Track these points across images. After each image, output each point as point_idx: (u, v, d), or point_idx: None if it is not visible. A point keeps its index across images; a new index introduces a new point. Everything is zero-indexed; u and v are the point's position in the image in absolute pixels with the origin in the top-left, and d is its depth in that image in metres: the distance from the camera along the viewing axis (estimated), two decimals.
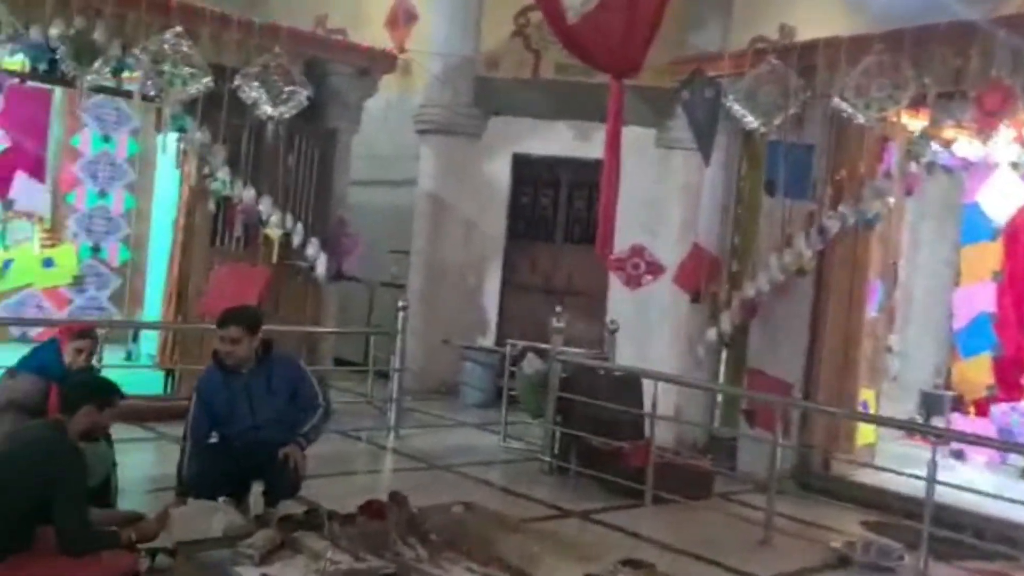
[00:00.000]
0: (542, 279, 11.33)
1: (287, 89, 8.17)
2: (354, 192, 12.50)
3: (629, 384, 7.71)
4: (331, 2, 12.83)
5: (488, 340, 11.12)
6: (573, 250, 11.12)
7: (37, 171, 11.67)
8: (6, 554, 4.04)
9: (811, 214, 7.70)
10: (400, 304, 8.54)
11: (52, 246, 11.11)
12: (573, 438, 7.47)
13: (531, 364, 7.63)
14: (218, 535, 4.49)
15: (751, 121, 7.93)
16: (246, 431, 5.48)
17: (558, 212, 11.30)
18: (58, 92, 10.79)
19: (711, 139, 8.34)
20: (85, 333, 5.23)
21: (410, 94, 11.74)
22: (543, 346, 7.87)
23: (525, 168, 11.28)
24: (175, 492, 5.34)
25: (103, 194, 11.35)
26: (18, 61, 7.08)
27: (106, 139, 11.33)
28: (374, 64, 9.07)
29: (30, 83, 8.38)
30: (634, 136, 10.33)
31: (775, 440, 6.42)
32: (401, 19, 9.19)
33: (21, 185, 11.57)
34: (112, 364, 7.14)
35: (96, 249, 11.29)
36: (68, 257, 11.00)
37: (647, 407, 7.30)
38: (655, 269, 10.74)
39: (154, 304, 9.79)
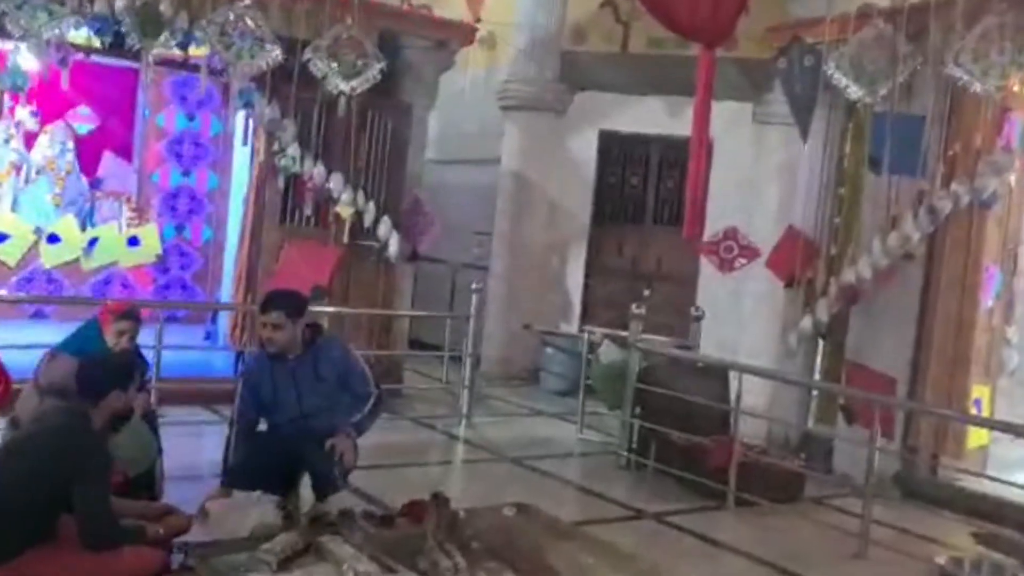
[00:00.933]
0: (629, 262, 10.81)
1: (359, 62, 7.84)
2: (439, 171, 12.27)
3: (714, 375, 7.16)
4: None
5: (572, 326, 10.68)
6: (662, 232, 10.56)
7: (124, 151, 11.72)
8: (28, 546, 3.81)
9: (920, 193, 7.00)
10: (474, 286, 8.16)
11: (137, 225, 11.12)
12: (652, 432, 6.98)
13: (608, 352, 7.17)
14: (245, 535, 4.18)
15: (855, 91, 7.25)
16: (292, 419, 5.17)
17: (647, 192, 10.76)
18: (142, 71, 10.74)
19: (810, 112, 7.71)
20: (127, 314, 4.98)
21: (495, 70, 11.35)
22: (621, 333, 7.38)
23: (612, 146, 10.77)
24: (220, 482, 5.07)
25: (187, 173, 11.29)
26: (82, 35, 6.91)
27: (190, 118, 11.27)
28: (451, 36, 8.68)
29: (102, 59, 8.25)
30: (729, 111, 9.80)
31: (874, 440, 5.81)
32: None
33: (109, 165, 11.64)
34: (178, 345, 6.94)
35: (180, 228, 11.25)
36: (152, 236, 11.00)
37: (733, 400, 6.74)
38: (749, 253, 10.12)
39: (229, 283, 9.66)
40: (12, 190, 10.70)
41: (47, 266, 10.44)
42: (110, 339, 4.91)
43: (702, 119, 7.91)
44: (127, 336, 4.94)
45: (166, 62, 7.58)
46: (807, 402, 7.90)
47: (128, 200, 11.40)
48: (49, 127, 11.03)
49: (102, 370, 4.11)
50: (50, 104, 11.13)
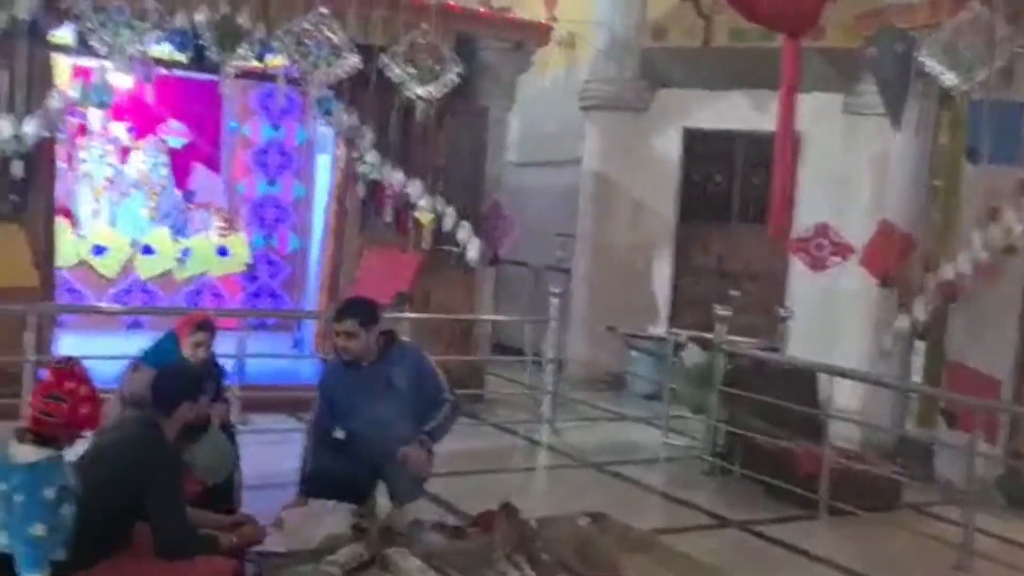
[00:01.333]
0: (716, 262, 10.54)
1: (436, 67, 7.83)
2: (521, 173, 12.22)
3: (804, 378, 6.89)
4: None
5: (658, 327, 10.46)
6: (750, 230, 10.26)
7: (213, 162, 11.98)
8: (105, 555, 3.85)
9: (1021, 182, 6.61)
10: (554, 290, 8.04)
11: (227, 235, 11.34)
12: (738, 437, 6.76)
13: (691, 355, 6.97)
14: (313, 546, 4.15)
15: (950, 78, 6.89)
16: (367, 427, 5.13)
17: (733, 189, 10.47)
18: (229, 83, 10.95)
19: (902, 101, 7.40)
20: (202, 325, 5.01)
21: (575, 70, 11.24)
22: (706, 335, 7.17)
23: (696, 143, 10.52)
24: (297, 491, 5.07)
25: (273, 183, 11.44)
26: (164, 50, 7.06)
27: (275, 127, 11.42)
28: (527, 37, 8.60)
29: (190, 73, 8.41)
30: (818, 103, 9.49)
31: (976, 445, 5.50)
32: None
33: (199, 177, 11.91)
34: (259, 354, 7.01)
35: (267, 237, 11.41)
36: (241, 246, 11.18)
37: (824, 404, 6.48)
38: (842, 250, 9.71)
39: (315, 291, 9.76)
40: (109, 204, 11.03)
41: (143, 277, 10.71)
42: (187, 351, 4.95)
43: (787, 112, 7.65)
44: (203, 347, 4.98)
45: (245, 74, 7.64)
46: (904, 405, 7.56)
47: (218, 211, 11.65)
48: (142, 142, 11.34)
49: (173, 382, 4.14)
50: (143, 119, 11.45)
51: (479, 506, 5.65)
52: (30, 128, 6.62)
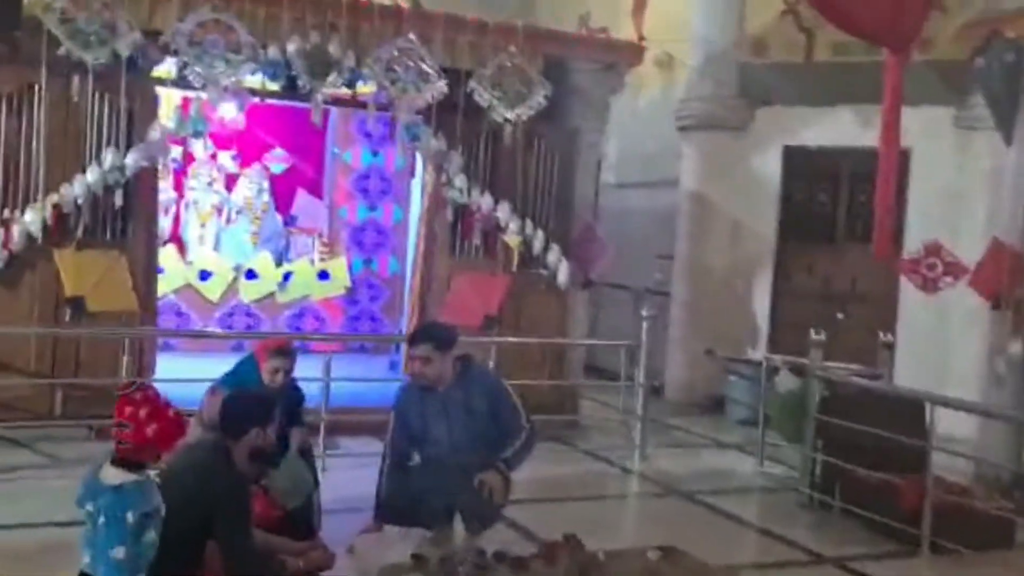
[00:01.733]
0: (820, 283, 10.16)
1: (523, 90, 7.81)
2: (620, 194, 12.10)
3: (908, 407, 6.52)
4: (596, 1, 12.43)
5: (759, 351, 10.14)
6: (856, 250, 9.85)
7: (316, 188, 12.25)
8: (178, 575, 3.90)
9: None
10: (645, 313, 7.86)
11: (328, 259, 11.55)
12: (837, 468, 6.44)
13: (784, 382, 6.70)
14: (374, 575, 4.11)
15: None
16: (443, 453, 5.09)
17: (838, 208, 10.10)
18: (333, 110, 11.18)
19: (1013, 114, 6.99)
20: (281, 351, 5.05)
21: (672, 89, 11.07)
22: (800, 360, 6.89)
23: (798, 161, 10.19)
24: (373, 517, 5.06)
25: (373, 208, 11.60)
26: (256, 80, 7.24)
27: (375, 153, 11.59)
28: (618, 58, 8.47)
29: (293, 102, 8.59)
30: (927, 118, 9.09)
31: None
32: (639, 4, 8.54)
33: (302, 202, 12.20)
34: (344, 377, 7.05)
35: (367, 261, 11.57)
36: (341, 270, 11.36)
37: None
38: (955, 270, 9.23)
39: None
40: (215, 230, 11.39)
41: (246, 301, 10.98)
42: (266, 376, 5.00)
43: (891, 128, 7.34)
44: (281, 373, 5.02)
45: (336, 101, 7.77)
46: (1021, 436, 7.08)
47: (320, 236, 11.89)
48: (247, 169, 11.70)
49: (243, 407, 4.17)
50: (249, 148, 11.81)
51: (557, 535, 5.55)
52: (131, 159, 6.86)
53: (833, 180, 10.12)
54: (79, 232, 6.86)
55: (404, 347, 8.66)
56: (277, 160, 11.95)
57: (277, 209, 11.87)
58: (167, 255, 10.79)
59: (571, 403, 8.67)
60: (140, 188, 7.08)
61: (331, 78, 7.28)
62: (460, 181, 7.89)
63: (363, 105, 7.91)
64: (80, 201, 6.80)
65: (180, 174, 11.37)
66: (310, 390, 6.68)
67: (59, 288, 6.89)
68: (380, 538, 4.75)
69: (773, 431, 7.34)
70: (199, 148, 11.42)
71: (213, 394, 5.07)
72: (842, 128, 9.75)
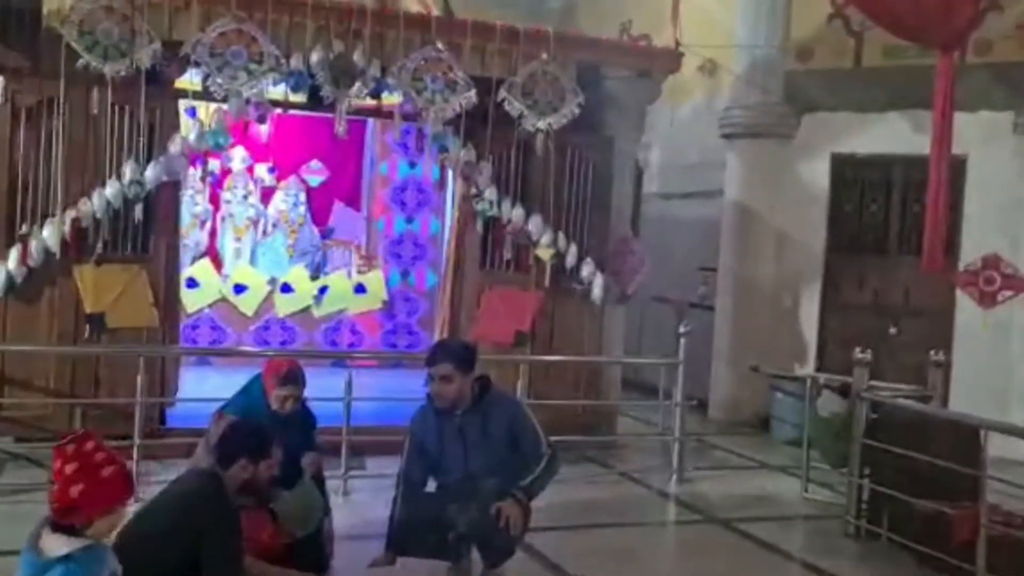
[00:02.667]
0: (871, 297, 9.71)
1: (555, 98, 7.54)
2: (664, 205, 11.77)
3: (962, 431, 6.09)
4: (637, 8, 12.15)
5: (807, 367, 9.73)
6: (909, 262, 9.37)
7: (353, 200, 12.11)
8: None
9: None
10: (682, 329, 7.53)
11: (365, 272, 11.39)
12: (885, 497, 6.04)
13: (827, 403, 6.34)
14: None
15: None
16: (459, 479, 4.83)
17: (890, 218, 9.64)
18: (370, 122, 11.03)
19: None
20: (288, 378, 4.82)
21: (717, 97, 10.71)
22: (846, 379, 6.50)
23: (847, 170, 9.77)
24: (384, 547, 4.81)
25: (410, 220, 11.43)
26: (280, 91, 7.07)
27: (412, 165, 11.42)
28: (654, 64, 8.15)
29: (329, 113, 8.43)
30: (985, 123, 8.70)
31: None
32: (675, 10, 8.21)
33: (339, 214, 12.06)
34: (367, 397, 6.81)
35: (405, 274, 11.38)
36: (378, 283, 11.18)
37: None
38: (1015, 283, 8.84)
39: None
40: (251, 243, 11.30)
41: (281, 315, 10.85)
42: (274, 403, 4.78)
43: (942, 133, 6.98)
44: (291, 400, 4.80)
45: (361, 111, 7.57)
46: None
47: (358, 248, 11.74)
48: (284, 182, 11.59)
49: (237, 438, 3.98)
50: (286, 160, 11.72)
51: (584, 566, 5.27)
52: (151, 173, 6.73)
53: (885, 189, 9.67)
54: (99, 247, 6.74)
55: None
56: (314, 172, 11.84)
57: (314, 222, 11.75)
58: (202, 269, 10.73)
59: (608, 423, 8.36)
60: (161, 202, 6.94)
61: (355, 88, 7.07)
62: (490, 193, 7.64)
63: (389, 115, 7.70)
64: (99, 215, 6.68)
65: (216, 187, 11.31)
66: (331, 408, 6.52)
67: (78, 304, 6.77)
68: (393, 570, 4.48)
69: (817, 454, 6.95)
70: (236, 161, 11.38)
71: (219, 418, 4.87)
72: (894, 134, 9.31)
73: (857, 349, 6.34)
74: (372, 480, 6.57)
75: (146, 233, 6.94)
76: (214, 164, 11.20)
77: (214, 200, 11.24)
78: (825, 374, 8.26)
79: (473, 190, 7.68)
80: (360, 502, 6.31)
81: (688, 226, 11.29)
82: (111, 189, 6.66)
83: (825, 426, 6.44)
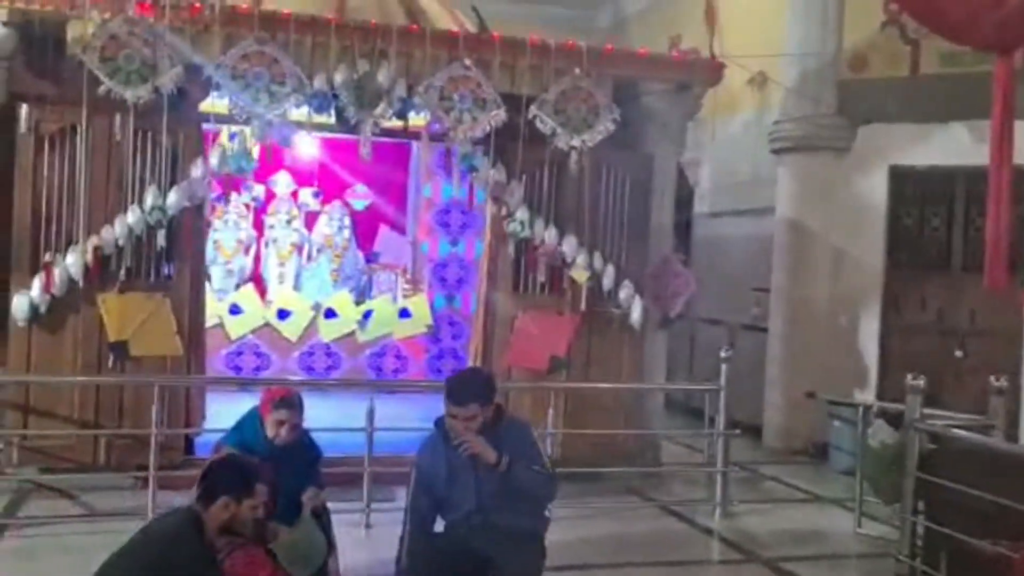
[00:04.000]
0: (935, 317, 9.17)
1: (589, 115, 7.26)
2: (715, 224, 11.39)
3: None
4: (688, 23, 11.81)
5: (868, 393, 9.22)
6: (975, 280, 8.74)
7: (399, 223, 11.99)
8: None
9: None
10: (723, 353, 7.15)
11: (409, 297, 11.22)
12: (943, 535, 5.57)
13: (877, 433, 5.89)
14: None
15: None
16: (470, 514, 4.55)
17: (953, 233, 9.11)
18: (414, 145, 10.88)
19: None
20: (282, 403, 4.62)
21: (768, 111, 10.30)
22: (898, 406, 6.05)
23: (906, 183, 9.28)
24: None
25: (455, 242, 11.22)
26: (302, 112, 6.92)
27: (470, 187, 11.22)
28: (694, 77, 7.81)
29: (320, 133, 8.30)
30: None
31: None
32: (712, 19, 7.88)
33: (384, 238, 11.96)
34: (388, 427, 6.57)
35: (450, 298, 11.17)
36: (422, 307, 10.99)
37: None
38: None
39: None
40: (295, 269, 11.23)
41: (325, 340, 10.72)
42: (269, 430, 4.58)
43: (1002, 142, 6.47)
44: (287, 426, 4.59)
45: (387, 132, 7.39)
46: None
47: (403, 272, 11.60)
48: (328, 206, 11.52)
49: (219, 475, 3.77)
50: (330, 185, 11.67)
51: None
52: (172, 198, 6.64)
53: (947, 202, 9.15)
54: (121, 275, 6.65)
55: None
56: (359, 196, 11.78)
57: (359, 246, 11.67)
58: (246, 295, 10.68)
59: (652, 451, 8.01)
60: (184, 228, 6.83)
61: (380, 109, 6.89)
62: (522, 213, 7.37)
63: (415, 136, 7.51)
64: (121, 243, 6.60)
65: (260, 212, 11.29)
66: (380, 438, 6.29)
67: (102, 333, 6.69)
68: None
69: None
70: (280, 186, 11.35)
71: (217, 451, 4.68)
72: (955, 145, 8.81)
73: (910, 375, 5.89)
74: (395, 513, 6.32)
75: (169, 260, 6.85)
76: (258, 189, 11.22)
77: (258, 226, 11.22)
78: (884, 402, 7.78)
79: (504, 211, 7.42)
80: (382, 536, 6.05)
81: (740, 245, 10.89)
82: (132, 216, 6.58)
83: (875, 458, 5.98)
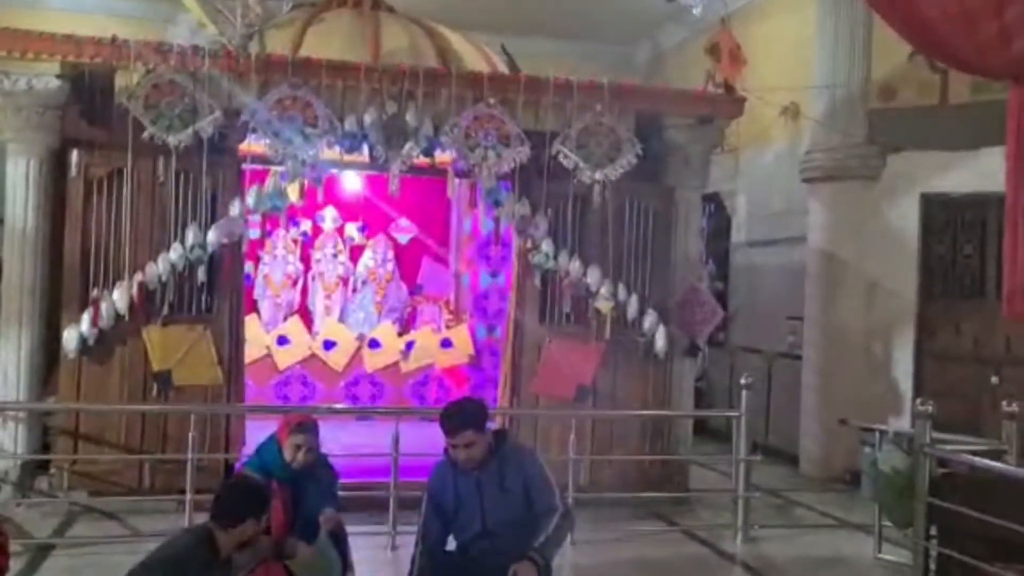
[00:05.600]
0: (970, 345, 9.14)
1: (611, 150, 7.50)
2: (751, 253, 11.49)
3: None
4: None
5: (903, 420, 9.20)
6: None
7: (442, 256, 12.29)
8: None
9: None
10: (743, 382, 7.26)
11: (452, 326, 11.49)
12: (956, 562, 5.62)
13: (888, 458, 5.95)
14: None
15: None
16: (476, 536, 4.77)
17: (986, 260, 9.08)
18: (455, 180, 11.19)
19: None
20: (299, 427, 4.89)
21: (801, 140, 10.40)
22: (908, 431, 6.11)
23: (938, 210, 9.29)
24: None
25: (495, 274, 11.45)
26: (335, 152, 7.28)
27: (496, 220, 11.49)
28: (716, 110, 8.00)
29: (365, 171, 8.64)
30: None
31: None
32: (725, 53, 8.03)
33: (428, 270, 12.26)
34: (412, 453, 6.79)
35: (491, 328, 11.39)
36: (464, 337, 11.24)
37: None
38: None
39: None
40: (340, 301, 11.59)
41: (369, 370, 11.03)
42: (288, 454, 4.85)
43: (1017, 171, 6.54)
44: (304, 450, 4.86)
45: (414, 169, 7.71)
46: None
47: (446, 303, 11.88)
48: (372, 240, 11.88)
49: (238, 497, 4.03)
50: (375, 219, 12.02)
51: None
52: (212, 236, 7.02)
53: (980, 230, 9.14)
54: (164, 309, 7.04)
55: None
56: (403, 230, 12.10)
57: (403, 278, 11.98)
58: (293, 327, 11.06)
59: (680, 477, 8.11)
60: (223, 264, 7.21)
61: (408, 148, 7.22)
62: (547, 246, 7.61)
63: (443, 173, 7.81)
64: (164, 278, 6.99)
65: (307, 247, 11.69)
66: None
67: (147, 363, 7.08)
68: None
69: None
70: (327, 221, 11.76)
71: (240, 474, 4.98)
72: (987, 172, 8.78)
73: (918, 401, 5.96)
74: None
75: (210, 294, 7.22)
76: (306, 225, 11.64)
77: (305, 260, 11.62)
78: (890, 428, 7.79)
79: (529, 243, 7.67)
80: (405, 557, 6.23)
81: (776, 274, 10.96)
82: (175, 253, 6.97)
83: (887, 483, 6.04)
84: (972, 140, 8.91)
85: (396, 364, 11.11)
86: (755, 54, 10.35)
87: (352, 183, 11.04)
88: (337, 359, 10.98)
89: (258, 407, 9.48)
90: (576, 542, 6.68)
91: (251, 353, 10.10)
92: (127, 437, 7.09)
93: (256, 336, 10.43)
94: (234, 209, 7.10)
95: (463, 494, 4.79)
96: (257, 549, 4.16)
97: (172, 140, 6.83)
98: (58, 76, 6.96)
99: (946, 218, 9.30)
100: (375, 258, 11.75)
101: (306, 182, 7.28)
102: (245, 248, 7.38)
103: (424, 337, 11.29)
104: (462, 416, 4.78)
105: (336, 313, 11.51)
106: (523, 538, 4.64)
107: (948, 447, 5.91)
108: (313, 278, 11.57)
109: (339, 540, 5.01)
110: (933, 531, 5.81)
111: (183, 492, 6.71)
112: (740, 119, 8.75)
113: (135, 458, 7.03)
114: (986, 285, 9.09)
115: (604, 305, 7.68)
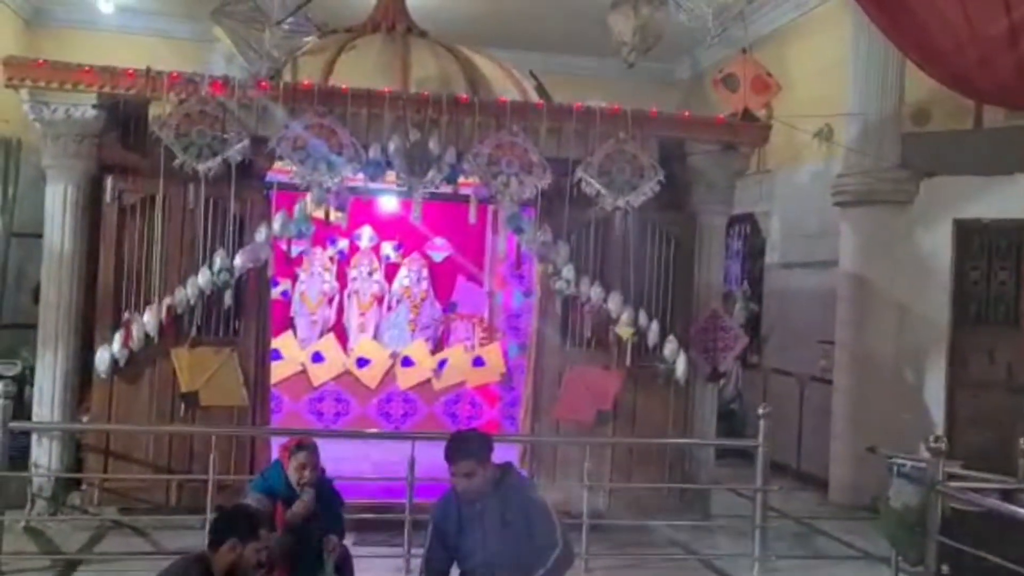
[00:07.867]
0: (1004, 373, 8.99)
1: (634, 177, 7.54)
2: (785, 275, 11.42)
3: None
4: None
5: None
6: None
7: (476, 275, 12.41)
8: None
9: None
10: (761, 411, 7.24)
11: (485, 345, 11.59)
12: None
13: (899, 494, 5.90)
14: None
15: None
16: (478, 567, 4.85)
17: (1022, 288, 8.94)
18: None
19: None
20: (301, 447, 5.05)
21: (835, 163, 10.32)
22: (918, 463, 6.05)
23: (972, 236, 9.17)
24: None
25: (528, 293, 11.51)
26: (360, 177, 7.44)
27: (516, 246, 11.57)
28: (740, 138, 8.00)
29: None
30: None
31: None
32: (747, 82, 7.98)
33: (462, 289, 12.38)
34: (429, 478, 6.87)
35: (523, 347, 11.45)
36: (496, 356, 11.34)
37: None
38: None
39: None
40: (375, 318, 11.76)
41: (402, 387, 11.17)
42: (293, 475, 5.00)
43: None
44: (306, 468, 5.01)
45: (434, 196, 7.83)
46: None
47: (480, 322, 11.99)
48: (408, 259, 12.04)
49: (226, 518, 4.15)
50: (411, 238, 12.18)
51: None
52: (238, 261, 7.21)
53: (1015, 256, 9.00)
54: (193, 331, 7.24)
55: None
56: (438, 249, 12.24)
57: (437, 297, 12.12)
58: (327, 344, 11.25)
59: (701, 503, 8.10)
60: (249, 287, 7.40)
61: (431, 175, 7.34)
62: (568, 271, 7.67)
63: (465, 199, 7.92)
64: (192, 302, 7.20)
65: (344, 265, 11.89)
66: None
67: (175, 384, 7.29)
68: None
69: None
70: (364, 239, 11.95)
71: (244, 498, 5.13)
72: (1021, 197, 8.70)
73: (932, 436, 5.90)
74: None
75: (236, 317, 7.41)
76: (343, 243, 11.84)
77: (341, 277, 11.81)
78: (953, 459, 7.67)
79: (551, 269, 7.74)
80: None
81: (809, 296, 10.88)
82: (203, 277, 7.18)
83: (898, 520, 5.98)
84: (1007, 165, 8.81)
85: (428, 382, 11.23)
86: (791, 74, 10.36)
87: (389, 203, 11.20)
88: (371, 376, 11.14)
89: (276, 429, 9.72)
90: (591, 569, 6.74)
91: (286, 369, 10.33)
92: (155, 455, 7.31)
93: (291, 353, 10.65)
94: (260, 235, 7.28)
95: (466, 524, 4.87)
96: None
97: (202, 168, 7.04)
98: (95, 106, 7.22)
99: (980, 244, 9.18)
100: (410, 276, 11.90)
101: (332, 208, 7.40)
102: (271, 273, 7.53)
103: (456, 355, 11.40)
104: (464, 446, 4.87)
105: (371, 331, 11.67)
106: (522, 571, 4.70)
107: (962, 483, 5.83)
108: (349, 296, 11.76)
109: (343, 568, 5.14)
110: (945, 569, 5.73)
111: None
112: (773, 140, 8.76)
113: (163, 477, 7.23)
114: (1021, 313, 8.95)
115: (625, 331, 7.72)
